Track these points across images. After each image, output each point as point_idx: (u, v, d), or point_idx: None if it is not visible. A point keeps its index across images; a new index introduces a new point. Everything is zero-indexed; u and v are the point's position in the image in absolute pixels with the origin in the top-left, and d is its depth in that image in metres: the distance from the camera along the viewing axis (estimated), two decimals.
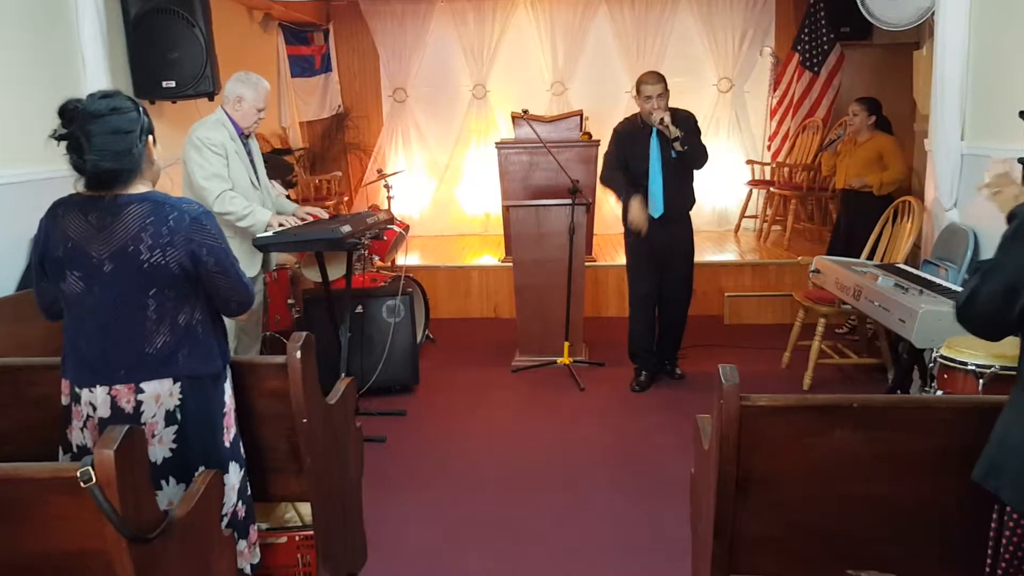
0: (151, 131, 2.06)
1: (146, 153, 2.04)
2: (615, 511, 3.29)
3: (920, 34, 5.52)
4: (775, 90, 7.39)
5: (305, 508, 2.62)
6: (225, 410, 2.19)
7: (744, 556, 2.07)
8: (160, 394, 2.05)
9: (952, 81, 4.03)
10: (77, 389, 2.08)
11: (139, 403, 2.04)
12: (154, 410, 2.05)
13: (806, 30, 6.92)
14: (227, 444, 2.19)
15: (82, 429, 2.08)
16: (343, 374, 3.81)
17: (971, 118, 4.03)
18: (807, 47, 6.91)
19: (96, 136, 1.92)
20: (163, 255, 1.98)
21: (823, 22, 6.83)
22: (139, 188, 2.03)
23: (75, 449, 2.12)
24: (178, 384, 2.07)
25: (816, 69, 6.90)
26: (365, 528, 2.92)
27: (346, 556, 2.73)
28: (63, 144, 1.95)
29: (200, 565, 1.95)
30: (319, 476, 2.43)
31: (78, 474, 1.59)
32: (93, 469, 1.59)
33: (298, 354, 2.27)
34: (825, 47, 6.85)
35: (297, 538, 2.55)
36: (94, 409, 2.05)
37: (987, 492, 1.76)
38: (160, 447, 2.07)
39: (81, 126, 1.91)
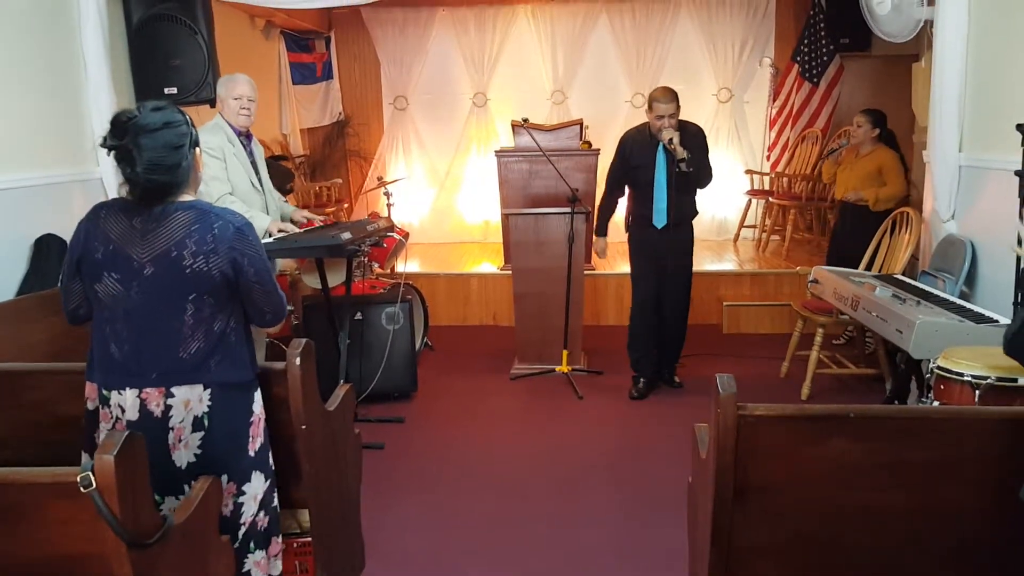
0: (198, 143, 2.10)
1: (193, 164, 2.09)
2: (612, 519, 3.29)
3: (919, 46, 5.54)
4: (774, 100, 7.43)
5: (303, 514, 2.62)
6: (252, 419, 2.19)
7: (741, 565, 2.07)
8: (190, 399, 2.06)
9: (950, 93, 4.04)
10: (106, 392, 2.08)
11: (168, 407, 2.04)
12: (182, 415, 2.06)
13: (806, 41, 6.95)
14: (252, 453, 2.18)
15: (111, 432, 2.08)
16: (342, 381, 3.81)
17: (969, 130, 4.04)
18: (807, 58, 6.95)
19: (148, 150, 1.95)
20: (206, 262, 2.01)
21: (822, 33, 6.87)
22: (184, 197, 2.07)
23: None
24: (208, 391, 2.08)
25: (815, 80, 6.94)
26: (363, 534, 2.92)
27: (344, 563, 2.73)
28: (113, 153, 1.97)
29: (197, 571, 1.95)
30: (318, 483, 2.44)
31: (78, 479, 1.59)
32: (93, 474, 1.59)
33: (298, 361, 2.27)
34: (824, 58, 6.89)
35: (295, 544, 2.54)
36: (123, 411, 2.05)
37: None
38: (186, 452, 2.07)
39: (134, 139, 1.94)
